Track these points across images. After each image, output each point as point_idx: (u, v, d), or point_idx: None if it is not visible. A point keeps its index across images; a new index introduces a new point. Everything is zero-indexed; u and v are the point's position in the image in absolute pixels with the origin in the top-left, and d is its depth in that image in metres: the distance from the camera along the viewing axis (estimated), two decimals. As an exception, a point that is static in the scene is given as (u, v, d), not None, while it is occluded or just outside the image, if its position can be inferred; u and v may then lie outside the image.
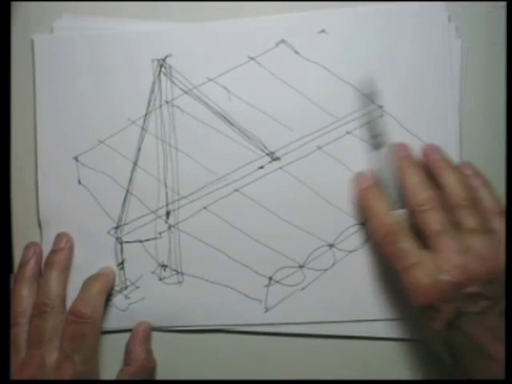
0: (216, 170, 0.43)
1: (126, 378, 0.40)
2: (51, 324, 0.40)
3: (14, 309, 0.41)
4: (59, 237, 0.43)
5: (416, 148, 0.42)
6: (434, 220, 0.37)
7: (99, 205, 0.43)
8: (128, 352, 0.42)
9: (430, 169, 0.40)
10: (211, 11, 0.44)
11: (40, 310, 0.40)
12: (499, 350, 0.34)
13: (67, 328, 0.40)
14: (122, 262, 0.43)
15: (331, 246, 0.43)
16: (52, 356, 0.39)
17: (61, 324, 0.40)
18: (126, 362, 0.42)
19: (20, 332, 0.40)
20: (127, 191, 0.43)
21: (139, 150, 0.43)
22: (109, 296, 0.43)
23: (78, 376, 0.38)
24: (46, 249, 0.43)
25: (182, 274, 0.43)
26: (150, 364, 0.42)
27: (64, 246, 0.43)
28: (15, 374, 0.39)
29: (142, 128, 0.43)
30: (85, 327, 0.40)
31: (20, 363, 0.39)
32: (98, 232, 0.43)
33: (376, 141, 0.42)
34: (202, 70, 0.43)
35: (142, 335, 0.42)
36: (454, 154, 0.43)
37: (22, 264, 0.42)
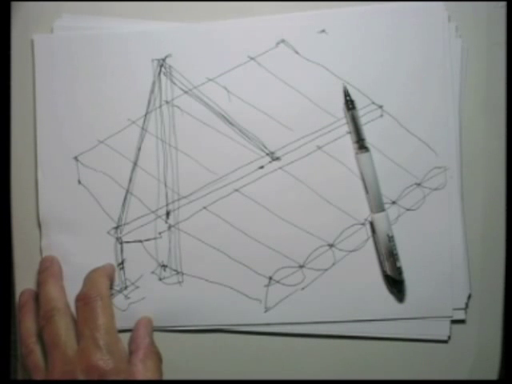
0: (216, 170, 0.43)
1: (138, 363, 0.40)
2: (63, 324, 0.40)
3: (24, 341, 0.41)
4: (44, 259, 0.43)
5: (415, 148, 0.43)
6: None
7: (99, 205, 0.43)
8: (133, 339, 0.42)
9: None
10: (211, 11, 0.43)
11: (47, 316, 0.40)
12: None
13: (79, 314, 0.41)
14: (122, 262, 0.43)
15: (331, 245, 0.43)
16: (73, 349, 0.39)
17: (72, 324, 0.41)
18: (133, 348, 0.41)
19: (36, 357, 0.41)
20: (127, 191, 0.43)
21: (139, 149, 0.43)
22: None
23: (104, 348, 0.39)
24: (46, 249, 0.43)
25: (182, 273, 0.43)
26: (157, 350, 0.42)
27: (50, 265, 0.43)
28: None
29: (142, 128, 0.43)
30: (95, 306, 0.40)
31: (43, 377, 0.40)
32: (98, 232, 0.43)
33: (361, 144, 0.42)
34: (202, 70, 0.43)
35: (145, 324, 0.42)
36: (454, 154, 0.43)
37: (21, 306, 0.43)
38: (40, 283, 0.42)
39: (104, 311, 0.40)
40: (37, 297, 0.42)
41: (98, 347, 0.39)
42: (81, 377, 0.38)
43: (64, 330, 0.40)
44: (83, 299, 0.41)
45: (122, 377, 0.39)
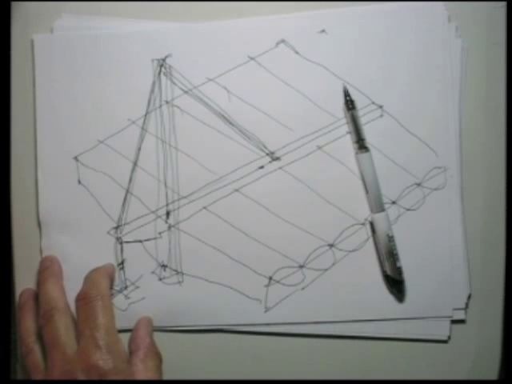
0: (216, 170, 0.43)
1: (138, 363, 0.40)
2: (63, 324, 0.40)
3: (24, 340, 0.42)
4: (44, 259, 0.43)
5: (415, 148, 0.43)
6: None
7: (99, 205, 0.43)
8: (133, 339, 0.42)
9: None
10: (211, 11, 0.43)
11: (47, 316, 0.40)
12: None
13: (79, 314, 0.40)
14: (122, 262, 0.43)
15: (331, 245, 0.43)
16: (73, 349, 0.39)
17: (71, 324, 0.41)
18: (133, 348, 0.41)
19: (36, 356, 0.41)
20: (127, 191, 0.43)
21: (139, 149, 0.43)
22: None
23: (104, 348, 0.39)
24: (46, 249, 0.43)
25: (182, 273, 0.43)
26: (157, 350, 0.42)
27: (51, 264, 0.43)
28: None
29: (142, 128, 0.43)
30: (95, 305, 0.40)
31: (43, 376, 0.40)
32: (98, 232, 0.43)
33: (361, 144, 0.42)
34: (201, 70, 0.43)
35: (145, 324, 0.42)
36: (454, 154, 0.43)
37: (21, 305, 0.43)
38: (40, 283, 0.42)
39: (104, 311, 0.40)
40: (37, 296, 0.42)
41: (98, 347, 0.39)
42: (81, 376, 0.38)
43: (64, 329, 0.40)
44: (83, 299, 0.41)
45: (121, 377, 0.39)
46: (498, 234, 0.43)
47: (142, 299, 0.43)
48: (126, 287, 0.43)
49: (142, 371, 0.40)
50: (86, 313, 0.40)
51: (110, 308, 0.41)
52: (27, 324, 0.42)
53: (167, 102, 0.43)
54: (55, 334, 0.40)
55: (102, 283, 0.42)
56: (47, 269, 0.43)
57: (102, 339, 0.39)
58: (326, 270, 0.43)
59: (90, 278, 0.42)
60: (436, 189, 0.43)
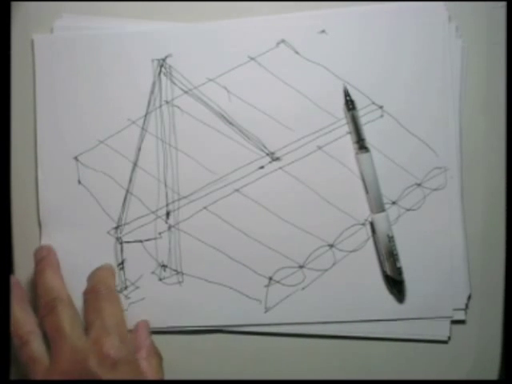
0: (216, 170, 0.43)
1: (142, 361, 0.40)
2: (67, 314, 0.40)
3: (16, 332, 0.40)
4: (40, 248, 0.43)
5: (415, 148, 0.43)
6: None
7: (99, 205, 0.43)
8: (133, 339, 0.42)
9: None
10: (211, 11, 0.43)
11: (50, 306, 0.40)
12: None
13: (88, 305, 0.40)
14: (122, 262, 0.43)
15: (331, 245, 0.43)
16: (81, 340, 0.39)
17: (76, 315, 0.40)
18: (135, 348, 0.41)
19: (33, 347, 0.39)
20: (127, 191, 0.43)
21: (139, 149, 0.43)
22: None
23: (116, 338, 0.39)
24: (46, 249, 0.43)
25: (182, 273, 0.43)
26: (158, 350, 0.42)
27: (47, 254, 0.42)
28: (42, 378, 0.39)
29: (142, 128, 0.43)
30: (105, 298, 0.40)
31: (45, 368, 0.39)
32: (98, 232, 0.43)
33: (361, 145, 0.42)
34: (201, 70, 0.43)
35: (144, 326, 0.42)
36: (454, 154, 0.43)
37: (14, 295, 0.41)
38: (38, 272, 0.42)
39: (114, 303, 0.41)
40: (31, 286, 0.42)
41: (110, 336, 0.39)
42: (92, 365, 0.37)
43: (69, 319, 0.39)
44: (92, 292, 0.41)
45: (130, 368, 0.39)
46: (497, 234, 0.43)
47: (142, 299, 0.43)
48: (126, 287, 0.43)
49: (146, 367, 0.40)
50: (95, 304, 0.40)
51: (118, 301, 0.41)
52: (19, 316, 0.40)
53: (167, 102, 0.43)
54: (59, 325, 0.39)
55: (109, 278, 0.42)
56: (44, 259, 0.42)
57: (113, 329, 0.39)
58: (326, 270, 0.43)
59: (97, 275, 0.42)
60: (436, 189, 0.43)
